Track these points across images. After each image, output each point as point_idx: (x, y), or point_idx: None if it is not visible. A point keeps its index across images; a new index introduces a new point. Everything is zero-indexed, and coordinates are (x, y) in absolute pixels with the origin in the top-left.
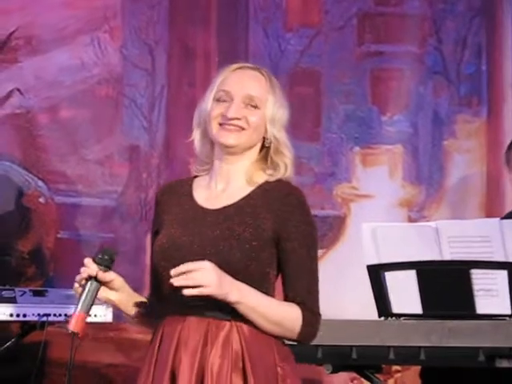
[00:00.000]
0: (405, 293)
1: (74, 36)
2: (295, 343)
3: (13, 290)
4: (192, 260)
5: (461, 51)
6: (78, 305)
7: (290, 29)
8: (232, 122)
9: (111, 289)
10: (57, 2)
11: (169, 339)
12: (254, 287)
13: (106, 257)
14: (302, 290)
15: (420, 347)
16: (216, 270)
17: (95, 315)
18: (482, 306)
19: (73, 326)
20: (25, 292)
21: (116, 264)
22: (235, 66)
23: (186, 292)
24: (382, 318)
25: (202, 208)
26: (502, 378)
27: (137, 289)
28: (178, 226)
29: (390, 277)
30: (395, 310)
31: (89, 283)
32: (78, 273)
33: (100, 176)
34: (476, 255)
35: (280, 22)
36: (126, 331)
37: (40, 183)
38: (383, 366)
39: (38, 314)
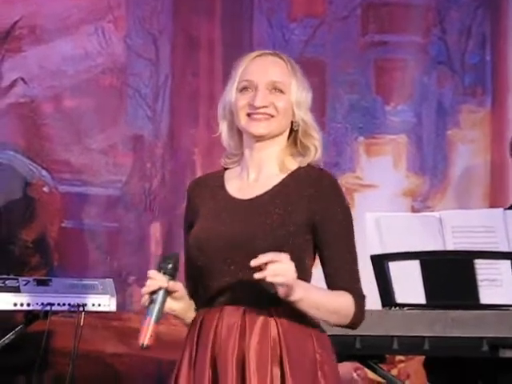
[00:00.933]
0: (408, 283)
1: (77, 25)
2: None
3: (17, 279)
4: (227, 249)
5: (465, 41)
6: (150, 316)
7: (294, 19)
8: (260, 110)
9: (174, 298)
10: None
11: (207, 329)
12: None
13: (171, 265)
14: (346, 273)
15: (424, 337)
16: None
17: (99, 304)
18: (486, 296)
19: (148, 340)
20: (29, 281)
21: (120, 254)
22: (254, 54)
23: (258, 275)
24: (386, 308)
25: (234, 199)
26: (505, 367)
27: (141, 278)
28: (212, 218)
29: (394, 267)
30: (399, 299)
31: (160, 294)
32: (83, 262)
33: (104, 165)
34: (480, 245)
35: (284, 12)
36: (129, 320)
37: (44, 172)
38: (387, 355)
39: (42, 304)
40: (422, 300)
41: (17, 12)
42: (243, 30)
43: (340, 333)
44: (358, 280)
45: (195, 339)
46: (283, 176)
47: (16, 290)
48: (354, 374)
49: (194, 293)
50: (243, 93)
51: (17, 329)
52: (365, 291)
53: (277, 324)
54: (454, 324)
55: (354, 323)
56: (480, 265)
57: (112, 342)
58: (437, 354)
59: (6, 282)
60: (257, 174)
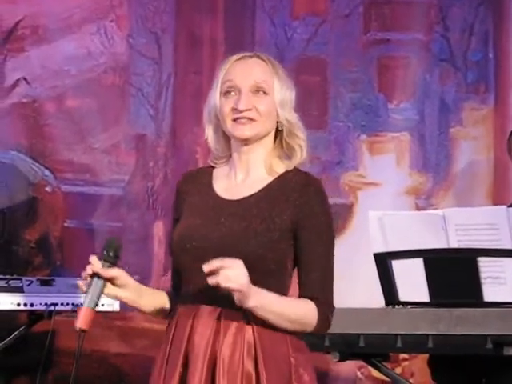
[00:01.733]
0: (412, 281)
1: (80, 25)
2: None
3: (20, 279)
4: (210, 250)
5: (467, 38)
6: (84, 301)
7: (297, 17)
8: (243, 114)
9: (117, 286)
10: None
11: (182, 327)
12: (271, 278)
13: (111, 254)
14: (317, 282)
15: (427, 335)
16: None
17: (102, 304)
18: (490, 293)
19: (80, 323)
20: (32, 281)
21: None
22: (234, 57)
23: (211, 280)
24: (390, 306)
25: (221, 198)
26: (509, 365)
27: (144, 277)
28: (197, 215)
29: (397, 265)
30: (402, 298)
31: (94, 280)
32: (86, 262)
33: (107, 165)
34: (483, 243)
35: (286, 10)
36: (132, 320)
37: (47, 172)
38: (391, 354)
39: (46, 304)
40: (426, 298)
41: (19, 12)
42: (245, 29)
43: (344, 331)
44: (328, 289)
45: (171, 336)
46: (270, 179)
47: (19, 290)
48: (358, 373)
49: (177, 286)
50: (227, 97)
51: (20, 329)
52: (367, 289)
53: (252, 327)
54: (457, 322)
55: (319, 331)
56: (483, 262)
57: (115, 341)
58: (441, 352)
59: (10, 282)
60: (244, 175)
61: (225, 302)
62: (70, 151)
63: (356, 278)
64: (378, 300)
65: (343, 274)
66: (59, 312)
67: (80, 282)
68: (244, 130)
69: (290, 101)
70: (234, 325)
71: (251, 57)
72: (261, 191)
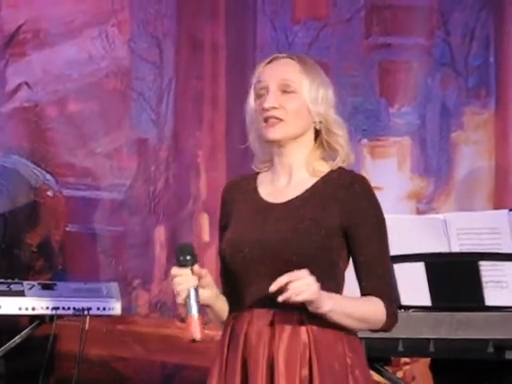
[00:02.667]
0: (413, 285)
1: (81, 29)
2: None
3: (21, 283)
4: (260, 254)
5: (469, 43)
6: (190, 313)
7: (298, 21)
8: (270, 113)
9: (202, 286)
10: None
11: (237, 333)
12: (324, 277)
13: (189, 257)
14: (379, 279)
15: (429, 339)
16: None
17: (104, 308)
18: (491, 297)
19: (194, 334)
20: (33, 285)
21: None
22: (268, 59)
23: (282, 298)
24: None
25: (267, 203)
26: (511, 369)
27: (146, 282)
28: (245, 221)
29: (399, 269)
30: (404, 302)
31: (191, 291)
32: (87, 266)
33: (108, 169)
34: (485, 247)
35: (287, 14)
36: (134, 324)
37: (48, 176)
38: (392, 358)
39: (47, 308)
40: (427, 302)
41: (21, 16)
42: (247, 33)
43: None
44: (391, 285)
45: (226, 343)
46: (315, 180)
47: (21, 294)
48: None
49: (228, 293)
50: (259, 98)
51: (22, 333)
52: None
53: (307, 328)
54: (459, 326)
55: (387, 328)
56: (485, 266)
57: (117, 345)
58: (442, 356)
59: (11, 286)
60: (288, 178)
61: (278, 304)
62: (72, 155)
63: (357, 282)
64: None
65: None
66: (61, 316)
67: (181, 297)
68: (274, 132)
69: (325, 98)
70: (288, 327)
71: (283, 57)
72: (306, 192)
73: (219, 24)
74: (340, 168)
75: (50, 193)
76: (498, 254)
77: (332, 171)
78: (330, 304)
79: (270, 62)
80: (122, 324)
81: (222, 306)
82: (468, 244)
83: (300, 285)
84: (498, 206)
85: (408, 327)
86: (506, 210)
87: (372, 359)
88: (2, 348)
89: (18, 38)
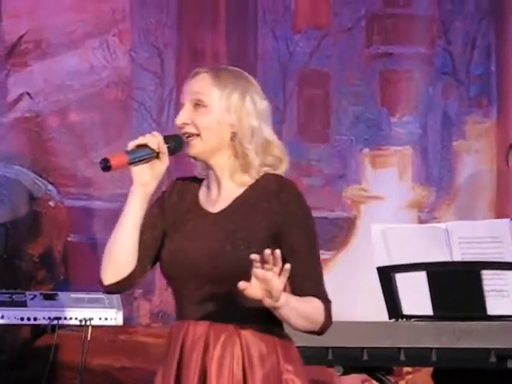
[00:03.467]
0: (415, 294)
1: (82, 39)
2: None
3: (23, 293)
4: (193, 267)
5: (470, 52)
6: (131, 154)
7: (299, 31)
8: (184, 129)
9: (150, 173)
10: (65, 6)
11: (174, 343)
12: None
13: (174, 143)
14: (312, 280)
15: (431, 348)
16: None
17: (106, 318)
18: (493, 306)
19: (110, 157)
20: (35, 296)
21: None
22: (190, 75)
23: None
24: (393, 320)
25: (204, 211)
26: None
27: (148, 292)
28: (182, 233)
29: (401, 278)
30: (406, 311)
31: (147, 151)
32: (89, 276)
33: (110, 179)
34: (486, 256)
35: (288, 23)
36: (136, 334)
37: (50, 187)
38: (394, 367)
39: (49, 318)
40: (429, 311)
41: (22, 27)
42: (248, 42)
43: (347, 345)
44: (323, 285)
45: (167, 352)
46: (242, 190)
47: (23, 304)
48: None
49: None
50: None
51: (24, 343)
52: (370, 303)
53: (240, 340)
54: (461, 335)
55: (325, 328)
56: (487, 275)
57: (119, 355)
58: (444, 366)
59: (13, 296)
60: (218, 188)
61: (213, 315)
62: (73, 165)
63: (359, 291)
64: (381, 313)
65: (346, 287)
66: (62, 326)
67: (135, 142)
68: (190, 148)
69: (239, 106)
70: (222, 338)
71: (200, 72)
72: (234, 202)
73: (220, 33)
74: (267, 174)
75: (51, 203)
76: (499, 262)
77: (258, 180)
78: (284, 297)
79: (191, 78)
80: (123, 334)
81: (137, 222)
82: (470, 253)
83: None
84: (499, 214)
85: (410, 336)
86: (508, 219)
87: (374, 368)
88: (4, 358)
89: (20, 49)
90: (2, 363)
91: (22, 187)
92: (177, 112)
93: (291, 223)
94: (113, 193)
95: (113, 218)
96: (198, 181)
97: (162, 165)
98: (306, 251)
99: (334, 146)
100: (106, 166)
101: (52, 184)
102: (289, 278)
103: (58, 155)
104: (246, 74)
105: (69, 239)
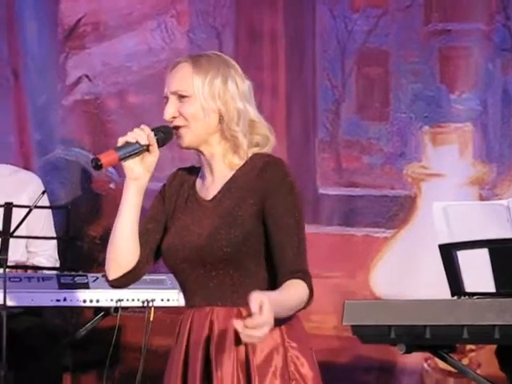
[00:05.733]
0: (477, 271)
1: (140, 21)
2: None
3: (85, 275)
4: (196, 249)
5: None
6: (120, 150)
7: (357, 9)
8: (173, 123)
9: (142, 166)
10: None
11: (183, 331)
12: (255, 267)
13: (163, 134)
14: (295, 255)
15: (494, 326)
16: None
17: (168, 299)
18: None
19: (101, 155)
20: (97, 278)
21: None
22: (170, 67)
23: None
24: (455, 297)
25: (200, 198)
26: None
27: None
28: (181, 221)
29: (463, 256)
30: (468, 288)
31: (137, 146)
32: None
33: (169, 160)
34: None
35: (346, 2)
36: None
37: (110, 169)
38: (457, 345)
39: (111, 300)
40: (492, 288)
41: (80, 9)
42: (306, 22)
43: (410, 323)
44: (304, 261)
45: (175, 339)
46: (233, 172)
47: (85, 286)
48: (425, 364)
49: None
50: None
51: (87, 325)
52: (433, 280)
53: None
54: None
55: (308, 305)
56: None
57: None
58: (507, 343)
59: (75, 278)
60: (211, 174)
61: (215, 300)
62: None
63: (421, 270)
64: (443, 291)
65: (408, 266)
66: (125, 308)
67: (124, 138)
68: (181, 141)
69: (222, 91)
70: (226, 323)
71: (179, 62)
72: (225, 186)
73: (278, 13)
74: (255, 154)
75: (111, 185)
76: None
77: (246, 161)
78: (267, 305)
79: (172, 69)
80: None
81: (135, 216)
82: None
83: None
84: None
85: (473, 314)
86: None
87: (437, 347)
88: (68, 340)
89: (78, 31)
90: (65, 345)
91: (83, 169)
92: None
93: (274, 198)
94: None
95: None
96: (197, 170)
97: (152, 157)
98: (288, 225)
99: (393, 124)
100: (96, 165)
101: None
102: (272, 251)
103: (118, 137)
104: (226, 57)
105: None
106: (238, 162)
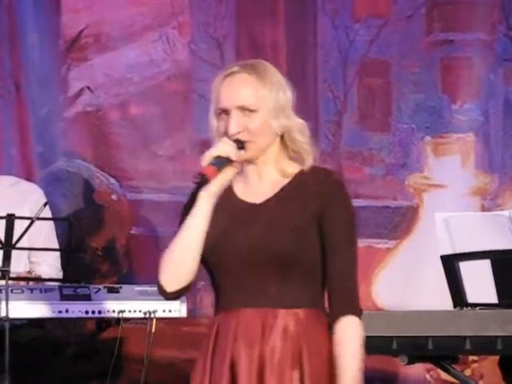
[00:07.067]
0: (480, 282)
1: (142, 32)
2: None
3: (87, 287)
4: (246, 254)
5: None
6: (217, 163)
7: (358, 20)
8: (236, 137)
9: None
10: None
11: (225, 332)
12: (309, 276)
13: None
14: (349, 292)
15: (496, 337)
16: None
17: (170, 310)
18: None
19: (203, 169)
20: (99, 289)
21: None
22: (223, 74)
23: None
24: (458, 308)
25: (244, 202)
26: None
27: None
28: (225, 220)
29: (465, 266)
30: (470, 299)
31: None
32: (152, 269)
33: (172, 172)
34: None
35: (348, 12)
36: (200, 326)
37: (112, 180)
38: (459, 356)
39: (113, 311)
40: (494, 299)
41: (82, 21)
42: (307, 32)
43: (412, 334)
44: (357, 297)
45: (213, 340)
46: (287, 180)
47: (87, 297)
48: (427, 375)
49: (215, 292)
50: (219, 119)
51: (89, 336)
52: (435, 291)
53: (296, 323)
54: None
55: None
56: None
57: (183, 347)
58: (510, 354)
59: (78, 290)
60: (261, 179)
61: (266, 302)
62: (135, 159)
63: (423, 280)
64: (445, 302)
65: (410, 277)
66: (127, 319)
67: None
68: (244, 154)
69: (284, 105)
70: (278, 324)
71: (238, 72)
72: (280, 192)
73: (279, 24)
74: (313, 167)
75: (114, 196)
76: None
77: (302, 171)
78: None
79: (226, 77)
80: (187, 326)
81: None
82: None
83: None
84: None
85: (475, 325)
86: None
87: (439, 357)
88: (70, 351)
89: (80, 43)
90: (68, 356)
91: (84, 181)
92: None
93: (332, 210)
94: (175, 185)
95: (175, 210)
96: None
97: (233, 171)
98: (344, 254)
99: (395, 135)
100: (203, 179)
101: (114, 177)
102: (326, 267)
103: (120, 148)
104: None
105: (132, 232)
106: (293, 170)
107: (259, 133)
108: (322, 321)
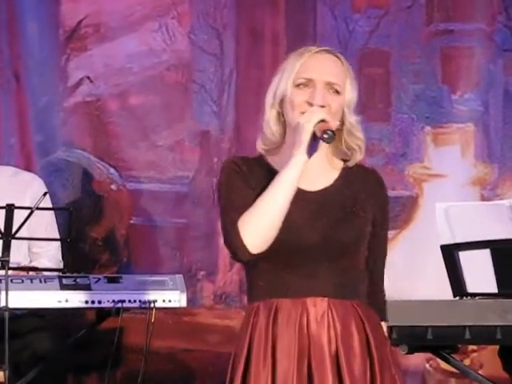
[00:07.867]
0: (479, 272)
1: (141, 22)
2: None
3: (87, 277)
4: (310, 243)
5: None
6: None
7: (358, 10)
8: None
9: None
10: None
11: (290, 321)
12: (361, 266)
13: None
14: (381, 277)
15: (496, 326)
16: None
17: (169, 300)
18: None
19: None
20: (99, 279)
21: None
22: (313, 49)
23: None
24: (457, 298)
25: (301, 189)
26: None
27: (211, 273)
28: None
29: (464, 256)
30: (470, 289)
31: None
32: (152, 258)
33: (171, 162)
34: None
35: (347, 2)
36: (200, 316)
37: (111, 170)
38: (459, 345)
39: (113, 301)
40: (494, 289)
41: (81, 11)
42: (307, 22)
43: (412, 324)
44: (384, 294)
45: (270, 330)
46: (337, 172)
47: (87, 287)
48: (427, 365)
49: (266, 279)
50: (300, 88)
51: (88, 326)
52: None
53: (359, 314)
54: None
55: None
56: None
57: (183, 337)
58: (510, 343)
59: (77, 280)
60: (309, 166)
61: (330, 291)
62: (134, 149)
63: (423, 270)
64: (445, 292)
65: (410, 266)
66: (127, 309)
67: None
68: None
69: (354, 102)
70: (344, 314)
71: (329, 52)
72: (336, 182)
73: (279, 14)
74: (359, 164)
75: (113, 186)
76: None
77: (350, 167)
78: None
79: (316, 53)
80: (187, 316)
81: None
82: None
83: None
84: None
85: (475, 314)
86: None
87: (439, 347)
88: (69, 341)
89: (79, 33)
90: (67, 347)
91: (84, 171)
92: (237, 94)
93: (382, 214)
94: (174, 175)
95: (175, 200)
96: (257, 159)
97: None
98: (383, 250)
99: (395, 125)
100: (333, 135)
101: (113, 167)
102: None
103: (119, 138)
104: None
105: (131, 222)
106: (339, 163)
107: (336, 115)
108: (372, 312)
